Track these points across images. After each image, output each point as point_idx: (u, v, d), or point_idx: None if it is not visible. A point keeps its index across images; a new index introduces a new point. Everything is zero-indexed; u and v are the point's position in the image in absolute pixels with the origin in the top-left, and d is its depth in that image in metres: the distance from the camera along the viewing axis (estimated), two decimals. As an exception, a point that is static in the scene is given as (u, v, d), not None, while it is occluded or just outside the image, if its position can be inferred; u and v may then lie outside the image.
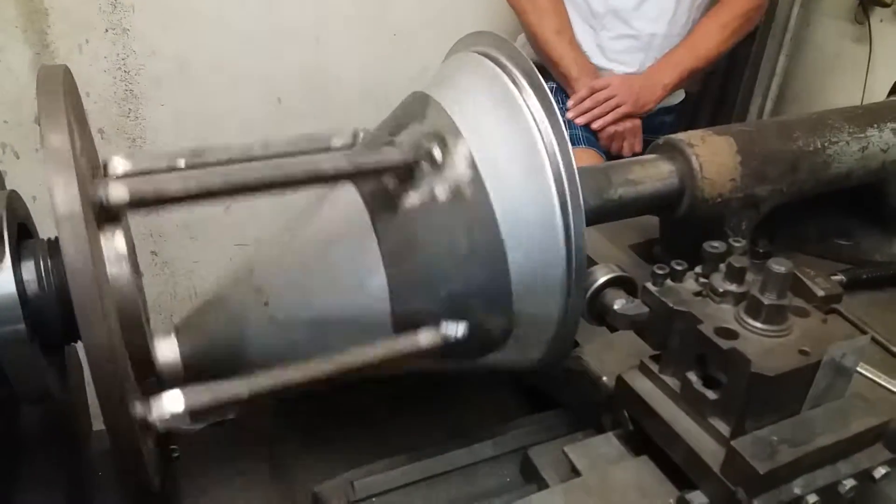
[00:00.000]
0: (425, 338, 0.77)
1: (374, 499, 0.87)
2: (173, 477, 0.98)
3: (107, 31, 1.83)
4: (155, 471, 0.75)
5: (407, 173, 0.78)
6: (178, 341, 0.77)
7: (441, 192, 0.77)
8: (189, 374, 0.76)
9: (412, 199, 0.79)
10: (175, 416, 0.69)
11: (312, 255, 0.84)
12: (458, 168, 0.77)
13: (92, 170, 0.76)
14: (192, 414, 0.70)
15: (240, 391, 0.72)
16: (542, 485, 0.83)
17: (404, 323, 0.79)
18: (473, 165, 0.77)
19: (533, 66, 0.82)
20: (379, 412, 1.06)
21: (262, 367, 0.75)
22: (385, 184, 0.80)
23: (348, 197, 0.84)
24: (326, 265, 0.83)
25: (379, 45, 2.17)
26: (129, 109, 1.94)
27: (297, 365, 0.75)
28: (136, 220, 0.75)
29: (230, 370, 0.76)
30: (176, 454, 0.99)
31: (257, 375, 0.74)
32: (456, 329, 0.78)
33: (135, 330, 0.73)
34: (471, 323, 0.78)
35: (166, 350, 0.75)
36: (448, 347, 0.78)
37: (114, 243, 0.71)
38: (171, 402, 0.69)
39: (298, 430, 1.06)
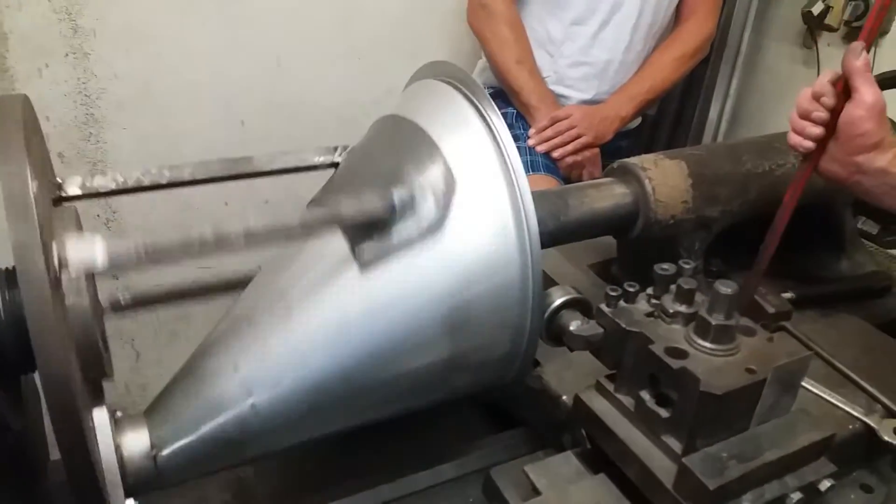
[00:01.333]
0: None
1: (337, 523, 0.87)
2: (134, 506, 0.96)
3: (67, 55, 1.82)
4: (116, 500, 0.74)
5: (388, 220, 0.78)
6: (149, 427, 0.76)
7: (416, 232, 0.78)
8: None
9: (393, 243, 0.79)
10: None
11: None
12: (427, 204, 0.78)
13: (49, 189, 0.75)
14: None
15: None
16: (504, 505, 0.85)
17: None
18: (441, 195, 0.78)
19: (488, 95, 0.85)
20: (341, 437, 1.07)
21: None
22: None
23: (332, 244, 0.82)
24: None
25: (343, 67, 2.19)
26: (90, 133, 1.92)
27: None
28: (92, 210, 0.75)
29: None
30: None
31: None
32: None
33: (92, 358, 0.72)
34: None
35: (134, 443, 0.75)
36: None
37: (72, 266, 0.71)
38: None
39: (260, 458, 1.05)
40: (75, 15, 1.80)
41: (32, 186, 0.62)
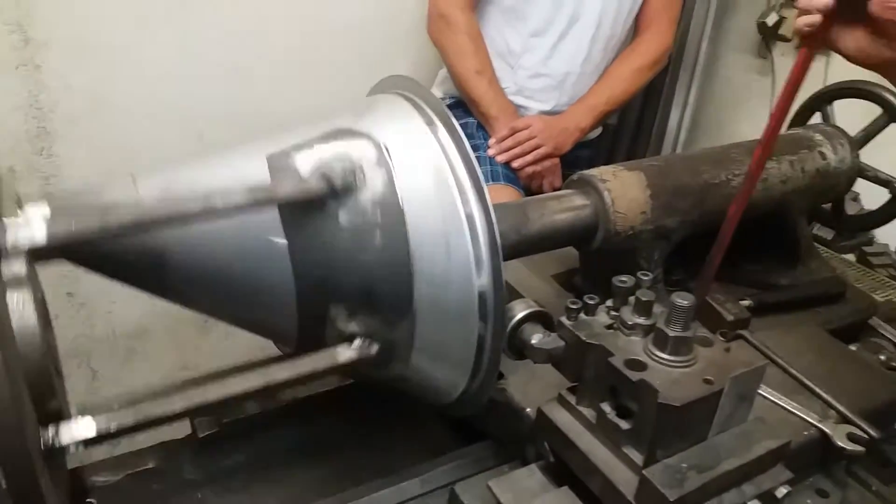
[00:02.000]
0: (343, 354, 0.80)
1: (300, 544, 0.86)
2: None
3: (18, 67, 1.78)
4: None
5: (324, 198, 0.79)
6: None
7: (357, 216, 0.79)
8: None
9: (328, 222, 0.79)
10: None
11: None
12: (373, 194, 0.79)
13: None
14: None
15: (150, 412, 0.72)
16: (469, 520, 0.84)
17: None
18: (389, 194, 0.78)
19: (445, 107, 0.84)
20: (303, 453, 1.05)
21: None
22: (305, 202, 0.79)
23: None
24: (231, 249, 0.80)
25: (302, 78, 2.17)
26: (43, 147, 1.88)
27: (212, 385, 0.75)
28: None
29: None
30: (92, 507, 0.96)
31: (169, 400, 0.73)
32: (369, 348, 0.81)
33: (44, 389, 0.70)
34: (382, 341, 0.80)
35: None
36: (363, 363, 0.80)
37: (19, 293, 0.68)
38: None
39: (221, 476, 1.03)
40: (26, 27, 1.76)
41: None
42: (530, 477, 0.83)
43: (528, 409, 0.92)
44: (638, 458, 0.71)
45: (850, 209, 1.52)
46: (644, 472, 0.68)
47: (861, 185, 1.34)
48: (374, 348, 0.81)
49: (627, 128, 2.57)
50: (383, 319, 0.80)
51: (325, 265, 0.79)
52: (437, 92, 2.15)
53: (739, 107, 2.52)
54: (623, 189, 1.06)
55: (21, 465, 0.59)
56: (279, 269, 0.79)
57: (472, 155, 0.81)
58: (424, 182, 0.80)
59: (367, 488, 0.92)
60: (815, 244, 1.51)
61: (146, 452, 1.05)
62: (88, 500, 0.97)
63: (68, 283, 2.05)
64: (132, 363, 2.23)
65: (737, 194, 0.90)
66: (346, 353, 0.80)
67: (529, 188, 1.99)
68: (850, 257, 1.87)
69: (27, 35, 1.76)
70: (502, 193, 1.86)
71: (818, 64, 1.90)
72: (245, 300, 0.83)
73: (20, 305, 0.66)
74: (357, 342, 0.81)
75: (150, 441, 1.06)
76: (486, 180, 1.88)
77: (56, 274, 1.93)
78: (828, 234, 1.85)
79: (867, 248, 1.92)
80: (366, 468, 1.00)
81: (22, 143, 1.86)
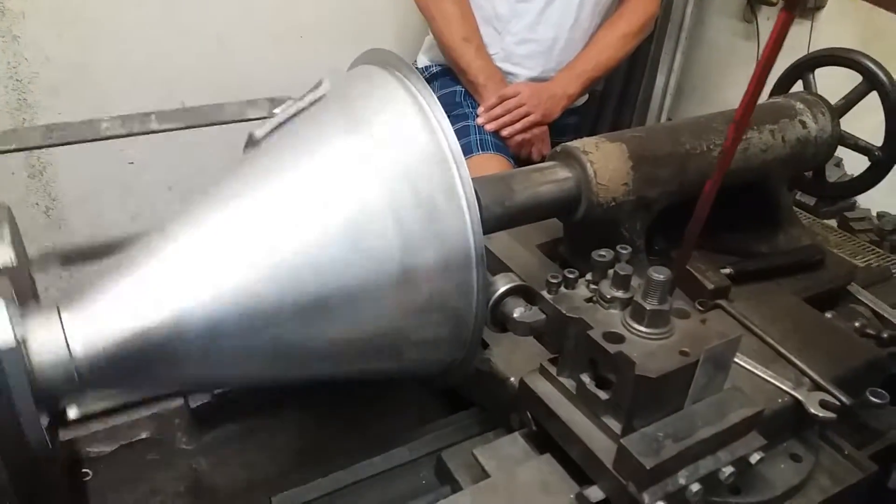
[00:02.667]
0: None
1: (292, 511, 0.88)
2: (84, 500, 0.96)
3: (-5, 38, 1.75)
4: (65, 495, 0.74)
5: None
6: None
7: None
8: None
9: None
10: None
11: None
12: None
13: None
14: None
15: None
16: (456, 486, 0.87)
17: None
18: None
19: (424, 81, 0.85)
20: (296, 423, 1.08)
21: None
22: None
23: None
24: None
25: (286, 47, 2.15)
26: (24, 119, 1.86)
27: None
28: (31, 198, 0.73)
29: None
30: (87, 477, 0.98)
31: None
32: None
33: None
34: None
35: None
36: None
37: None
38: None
39: (215, 446, 1.05)
40: (1, -2, 1.73)
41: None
42: (513, 445, 0.86)
43: (511, 379, 0.94)
44: (616, 427, 0.74)
45: (833, 175, 1.54)
46: (622, 440, 0.71)
47: (843, 151, 1.35)
48: None
49: (613, 94, 2.57)
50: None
51: None
52: (424, 59, 2.13)
53: (725, 71, 2.52)
54: (605, 161, 1.07)
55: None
56: None
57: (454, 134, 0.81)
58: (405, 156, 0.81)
59: (358, 455, 0.94)
60: (798, 210, 1.53)
61: (140, 423, 1.07)
62: (84, 470, 0.99)
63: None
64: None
65: (714, 171, 0.91)
66: None
67: (518, 156, 1.99)
68: (833, 223, 1.90)
69: (3, 5, 1.74)
70: (491, 162, 1.87)
71: (802, 31, 1.91)
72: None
73: None
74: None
75: (144, 412, 1.08)
76: (476, 149, 1.88)
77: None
78: (810, 199, 1.87)
79: (849, 214, 1.95)
80: (355, 437, 1.02)
81: (3, 115, 1.85)
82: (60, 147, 1.93)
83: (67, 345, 0.67)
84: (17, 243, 0.76)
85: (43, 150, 1.92)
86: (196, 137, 1.83)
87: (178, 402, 1.08)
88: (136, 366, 0.71)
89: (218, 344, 0.74)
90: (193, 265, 0.74)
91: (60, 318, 0.68)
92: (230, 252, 0.75)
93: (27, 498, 0.69)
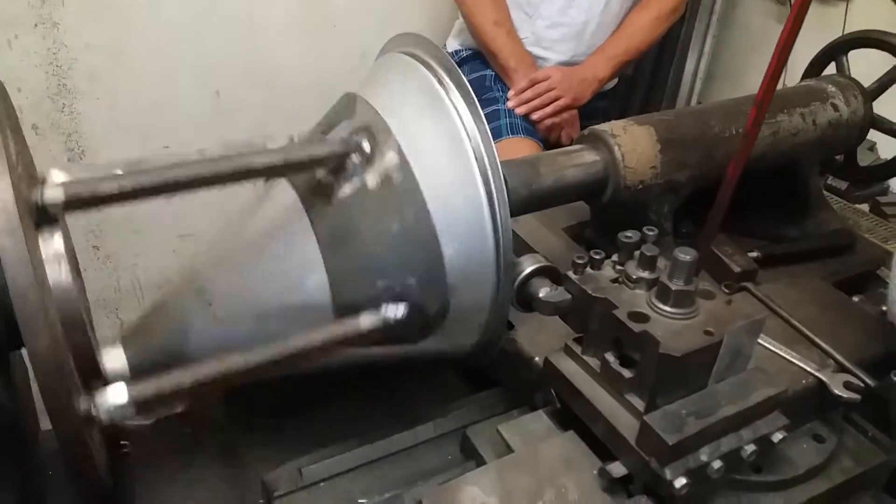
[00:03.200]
0: (366, 321, 0.80)
1: (321, 483, 0.91)
2: (124, 471, 1.00)
3: (36, 25, 1.80)
4: (105, 466, 0.78)
5: (338, 166, 0.82)
6: (125, 349, 0.79)
7: (371, 180, 0.82)
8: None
9: (344, 189, 0.82)
10: (119, 408, 0.71)
11: (252, 252, 0.87)
12: (387, 157, 0.81)
13: (29, 179, 0.77)
14: (137, 405, 0.72)
15: (182, 380, 0.74)
16: (481, 461, 0.89)
17: (345, 311, 0.83)
18: (401, 154, 0.81)
19: (455, 64, 0.86)
20: (325, 399, 1.10)
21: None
22: (318, 178, 0.84)
23: (284, 194, 0.87)
24: (265, 261, 0.86)
25: (317, 34, 2.17)
26: (64, 104, 1.91)
27: (239, 353, 0.77)
28: (76, 214, 0.76)
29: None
30: (126, 449, 1.02)
31: (200, 366, 0.76)
32: (396, 310, 0.81)
33: (77, 331, 0.75)
34: (409, 303, 0.82)
35: (113, 360, 0.78)
36: (389, 330, 0.81)
37: (53, 247, 0.73)
38: (115, 395, 0.71)
39: (247, 420, 1.09)
40: (42, -16, 1.77)
41: (12, 177, 0.63)
42: (538, 421, 0.88)
43: (536, 359, 0.96)
44: (640, 404, 0.75)
45: (866, 159, 1.52)
46: (645, 417, 0.72)
47: (876, 135, 1.34)
48: (401, 310, 0.81)
49: (643, 78, 2.54)
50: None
51: (348, 233, 0.82)
52: (454, 44, 2.14)
53: (757, 55, 2.48)
54: (633, 144, 1.07)
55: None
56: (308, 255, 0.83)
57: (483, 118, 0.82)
58: (436, 146, 0.82)
59: (386, 431, 0.97)
60: (828, 194, 1.52)
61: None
62: (123, 442, 1.02)
63: (94, 238, 2.11)
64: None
65: (734, 155, 0.91)
66: (371, 319, 0.81)
67: (548, 140, 1.99)
68: (864, 207, 1.87)
69: (44, -7, 1.78)
70: (521, 146, 1.87)
71: (837, 13, 1.88)
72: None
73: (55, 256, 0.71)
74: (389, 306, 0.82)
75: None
76: (506, 133, 1.89)
77: (82, 227, 1.99)
78: (841, 184, 1.84)
79: (881, 198, 1.91)
80: (384, 413, 1.05)
81: (43, 100, 1.90)
82: (98, 132, 1.99)
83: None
84: (14, 123, 0.79)
85: (81, 134, 1.97)
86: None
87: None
88: None
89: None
90: None
91: None
92: None
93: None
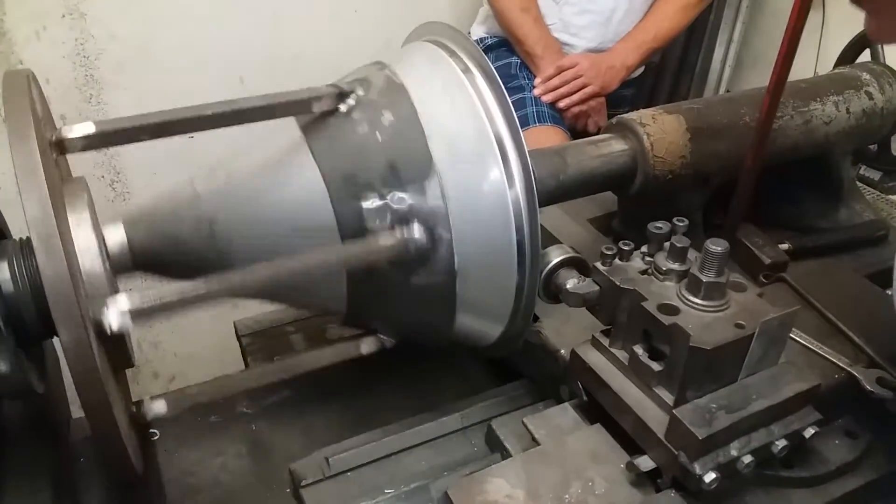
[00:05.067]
0: (385, 239, 0.81)
1: (348, 473, 0.91)
2: (153, 458, 1.01)
3: (64, 16, 1.81)
4: (135, 450, 0.79)
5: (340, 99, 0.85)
6: (126, 230, 0.80)
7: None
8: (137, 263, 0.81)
9: (342, 111, 0.85)
10: (123, 315, 0.72)
11: (254, 179, 0.88)
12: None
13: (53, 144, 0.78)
14: (140, 312, 0.73)
15: (185, 290, 0.75)
16: (506, 454, 0.88)
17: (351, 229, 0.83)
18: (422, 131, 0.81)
19: (483, 54, 0.85)
20: (351, 390, 1.11)
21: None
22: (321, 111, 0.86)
23: (288, 131, 0.88)
24: (268, 187, 0.86)
25: (340, 20, 2.17)
26: (91, 94, 1.93)
27: (247, 270, 0.79)
28: (97, 189, 0.78)
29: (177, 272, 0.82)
30: (155, 437, 1.03)
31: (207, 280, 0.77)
32: (413, 230, 0.81)
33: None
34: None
35: (114, 236, 0.79)
36: (408, 256, 0.81)
37: (83, 235, 0.74)
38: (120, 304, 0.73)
39: (273, 410, 1.09)
40: (69, -24, 1.79)
41: (42, 160, 0.64)
42: (564, 414, 0.87)
43: (562, 351, 0.95)
44: (669, 398, 0.74)
45: (899, 149, 1.48)
46: (674, 411, 0.71)
47: (911, 124, 1.30)
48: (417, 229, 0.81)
49: (670, 65, 2.51)
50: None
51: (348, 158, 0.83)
52: (479, 31, 2.12)
53: (788, 42, 2.43)
54: (662, 133, 1.06)
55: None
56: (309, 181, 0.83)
57: (511, 107, 0.82)
58: (462, 133, 0.82)
59: (412, 422, 0.97)
60: (861, 184, 1.49)
61: (203, 387, 1.12)
62: (151, 430, 1.04)
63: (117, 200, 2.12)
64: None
65: (751, 146, 0.89)
66: (388, 240, 0.81)
67: (574, 128, 1.97)
68: (898, 198, 1.83)
69: (71, -16, 1.80)
70: (548, 134, 1.85)
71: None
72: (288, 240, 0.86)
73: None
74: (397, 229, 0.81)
75: (208, 376, 1.13)
76: (532, 121, 1.88)
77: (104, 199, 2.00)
78: (874, 174, 1.80)
79: (916, 189, 1.87)
80: (410, 404, 1.05)
81: (71, 90, 1.92)
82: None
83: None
84: (45, 111, 0.81)
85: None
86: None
87: (240, 366, 1.13)
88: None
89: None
90: None
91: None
92: None
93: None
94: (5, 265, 0.75)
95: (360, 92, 0.86)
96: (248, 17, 2.02)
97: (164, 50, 1.96)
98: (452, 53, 0.88)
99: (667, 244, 0.80)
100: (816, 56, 2.20)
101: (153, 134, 0.81)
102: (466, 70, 0.85)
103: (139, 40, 1.92)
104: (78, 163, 0.88)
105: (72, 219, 0.73)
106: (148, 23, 1.91)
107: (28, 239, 0.78)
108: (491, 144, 0.81)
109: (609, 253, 0.81)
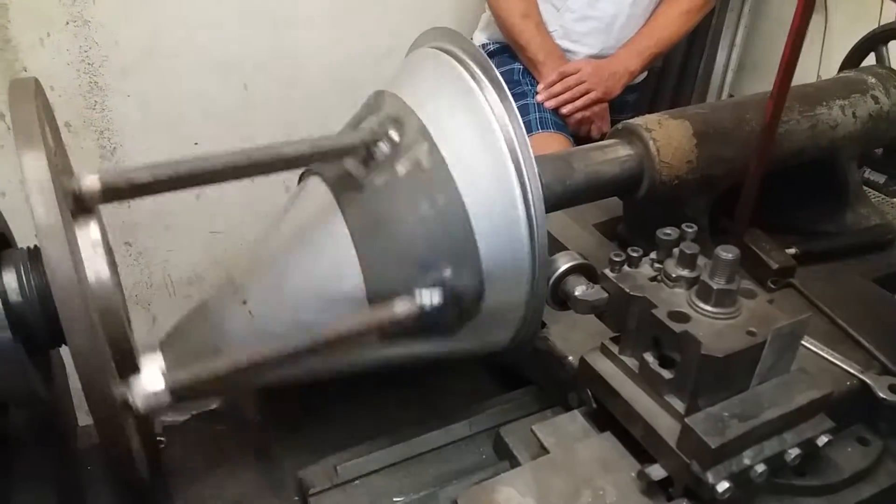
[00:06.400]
0: (401, 307, 0.79)
1: (356, 481, 0.90)
2: (160, 465, 1.01)
3: (68, 23, 1.81)
4: (142, 458, 0.78)
5: (367, 155, 0.82)
6: (163, 354, 0.79)
7: (401, 167, 0.81)
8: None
9: (374, 178, 0.82)
10: (155, 395, 0.71)
11: (284, 248, 0.87)
12: (415, 144, 0.81)
13: (65, 172, 0.77)
14: (174, 393, 0.72)
15: (217, 368, 0.74)
16: (514, 462, 0.88)
17: (380, 300, 0.81)
18: (433, 147, 0.80)
19: (488, 59, 0.85)
20: (359, 398, 1.10)
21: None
22: (348, 169, 0.83)
23: (316, 190, 0.87)
24: (299, 255, 0.85)
25: (343, 28, 2.17)
26: (95, 101, 1.93)
27: (274, 343, 0.77)
28: (108, 211, 0.77)
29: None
30: (162, 444, 1.03)
31: (236, 355, 0.76)
32: (430, 296, 0.79)
33: (116, 327, 0.75)
34: (444, 289, 0.80)
35: (152, 364, 0.77)
36: (425, 318, 0.79)
37: (91, 242, 0.73)
38: (151, 382, 0.72)
39: (282, 418, 1.09)
40: (73, -18, 1.79)
41: (51, 172, 0.64)
42: (573, 422, 0.87)
43: (570, 358, 0.95)
44: (680, 406, 0.74)
45: (905, 153, 1.48)
46: (686, 419, 0.71)
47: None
48: (437, 296, 0.79)
49: (673, 70, 2.51)
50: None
51: (380, 222, 0.82)
52: (481, 37, 2.12)
53: (790, 46, 2.43)
54: (668, 138, 1.06)
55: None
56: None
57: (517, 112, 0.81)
58: (471, 144, 0.82)
59: (419, 429, 0.97)
60: (867, 188, 1.48)
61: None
62: (159, 437, 1.03)
63: (127, 234, 2.13)
64: (188, 309, 2.32)
65: (755, 150, 0.88)
66: (407, 305, 0.79)
67: (578, 134, 1.97)
68: (903, 202, 1.82)
69: (75, -9, 1.80)
70: (551, 141, 1.85)
71: (873, 2, 1.83)
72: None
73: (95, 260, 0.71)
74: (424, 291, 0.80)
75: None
76: (535, 128, 1.87)
77: (114, 224, 2.01)
78: (879, 178, 1.80)
79: (921, 193, 1.87)
80: (418, 411, 1.04)
81: (75, 97, 1.92)
82: (129, 129, 2.01)
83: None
84: (50, 119, 0.80)
85: (113, 131, 1.99)
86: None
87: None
88: None
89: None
90: None
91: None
92: None
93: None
94: (13, 274, 0.75)
95: (388, 143, 0.83)
96: (251, 24, 2.02)
97: (167, 56, 1.96)
98: (461, 62, 0.88)
99: (676, 250, 0.79)
100: (819, 60, 2.19)
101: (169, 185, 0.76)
102: (474, 77, 0.85)
103: (142, 47, 1.92)
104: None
105: (79, 228, 0.73)
106: (151, 30, 1.91)
107: (35, 248, 0.78)
108: (501, 153, 0.80)
109: (618, 260, 0.81)
